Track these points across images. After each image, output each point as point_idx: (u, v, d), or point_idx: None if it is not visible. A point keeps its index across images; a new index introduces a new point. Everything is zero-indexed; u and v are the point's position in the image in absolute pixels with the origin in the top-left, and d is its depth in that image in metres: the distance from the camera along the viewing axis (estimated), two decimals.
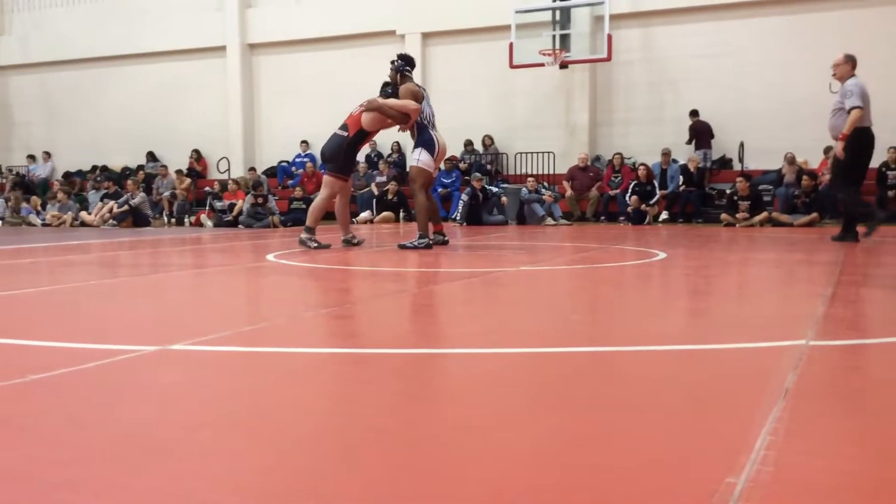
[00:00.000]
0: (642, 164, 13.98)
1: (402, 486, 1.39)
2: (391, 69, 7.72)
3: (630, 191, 13.64)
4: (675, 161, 14.36)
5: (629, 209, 13.45)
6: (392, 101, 7.48)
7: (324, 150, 7.72)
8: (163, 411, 1.92)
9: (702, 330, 3.22)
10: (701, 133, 14.61)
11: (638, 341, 2.87)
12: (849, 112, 7.51)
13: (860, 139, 7.60)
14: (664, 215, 13.77)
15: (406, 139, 17.09)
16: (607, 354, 2.63)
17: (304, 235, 7.45)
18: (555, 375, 2.32)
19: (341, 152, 7.49)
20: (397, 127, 7.76)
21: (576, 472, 1.45)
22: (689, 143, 14.67)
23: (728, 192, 12.91)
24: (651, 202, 13.53)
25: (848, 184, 7.86)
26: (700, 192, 13.89)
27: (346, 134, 7.49)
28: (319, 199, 7.65)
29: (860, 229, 7.87)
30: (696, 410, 1.89)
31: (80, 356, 2.51)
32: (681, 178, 14.02)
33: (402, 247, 7.32)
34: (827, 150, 12.92)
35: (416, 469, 1.47)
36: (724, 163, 14.97)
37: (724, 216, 12.49)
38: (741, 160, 14.59)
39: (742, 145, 14.47)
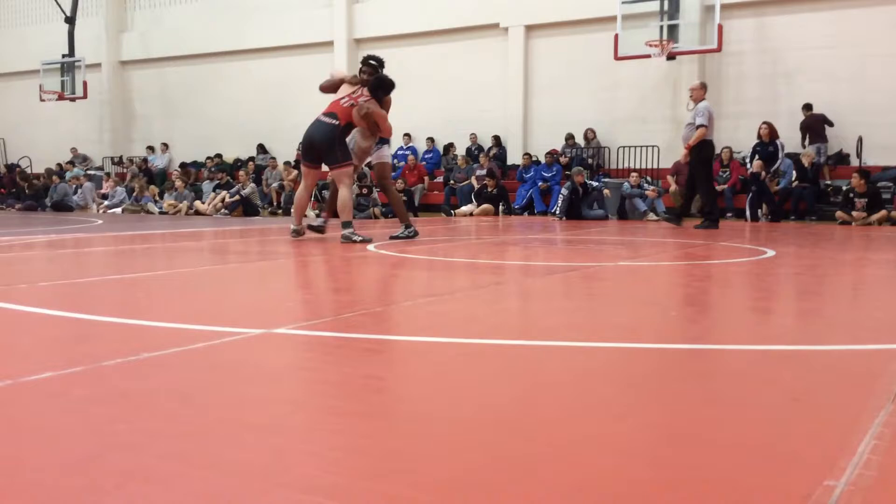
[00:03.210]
0: (765, 123, 13.48)
1: (492, 474, 1.40)
2: (366, 76, 7.73)
3: (751, 152, 13.24)
4: (787, 156, 13.80)
5: (749, 173, 13.13)
6: (380, 114, 7.55)
7: (314, 137, 7.34)
8: (266, 390, 2.00)
9: (808, 330, 3.10)
10: (813, 128, 14.00)
11: (739, 340, 2.80)
12: (697, 128, 10.05)
13: (709, 148, 10.26)
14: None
15: (508, 135, 17.12)
16: (706, 352, 2.57)
17: (345, 232, 7.23)
18: (651, 371, 2.29)
19: (336, 141, 7.28)
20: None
21: (669, 469, 1.43)
22: (802, 140, 14.10)
23: (844, 188, 12.32)
24: (774, 166, 13.08)
25: (708, 180, 10.43)
26: (814, 189, 13.31)
27: (336, 122, 7.30)
28: (342, 194, 7.34)
29: (696, 222, 10.39)
30: (798, 411, 1.83)
31: (189, 336, 2.64)
32: (794, 173, 13.47)
33: (394, 238, 7.57)
34: None
35: (505, 459, 1.48)
36: (841, 158, 14.27)
37: (839, 214, 11.94)
38: (859, 156, 13.88)
39: (860, 140, 13.76)
